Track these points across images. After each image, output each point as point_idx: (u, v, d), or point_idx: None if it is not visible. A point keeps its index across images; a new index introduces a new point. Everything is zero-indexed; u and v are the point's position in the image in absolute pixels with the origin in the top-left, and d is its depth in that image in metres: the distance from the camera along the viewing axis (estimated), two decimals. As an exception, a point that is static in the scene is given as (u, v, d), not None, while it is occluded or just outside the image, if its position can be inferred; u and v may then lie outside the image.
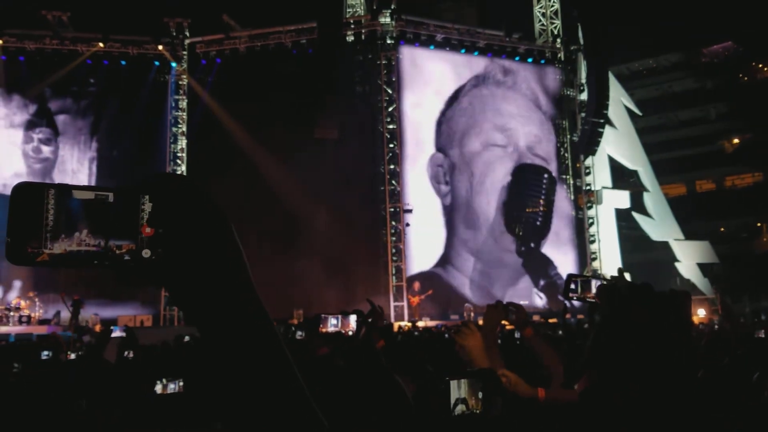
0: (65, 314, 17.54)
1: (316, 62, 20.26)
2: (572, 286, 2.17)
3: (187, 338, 11.13)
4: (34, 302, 17.95)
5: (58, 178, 20.69)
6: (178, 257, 0.74)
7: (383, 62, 21.11)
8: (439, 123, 21.19)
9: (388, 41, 21.15)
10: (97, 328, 16.69)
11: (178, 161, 21.49)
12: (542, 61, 22.91)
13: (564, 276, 17.07)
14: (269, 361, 0.77)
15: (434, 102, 21.37)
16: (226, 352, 0.76)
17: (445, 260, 20.63)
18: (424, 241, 20.43)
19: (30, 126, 20.73)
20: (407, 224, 20.11)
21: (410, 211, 20.11)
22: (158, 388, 3.78)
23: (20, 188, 0.73)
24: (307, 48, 21.17)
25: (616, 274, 2.60)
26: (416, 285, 18.95)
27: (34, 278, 18.95)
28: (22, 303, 17.63)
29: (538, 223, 21.57)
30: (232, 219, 0.79)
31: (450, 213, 20.81)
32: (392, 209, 20.28)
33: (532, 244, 21.35)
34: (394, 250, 20.04)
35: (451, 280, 20.40)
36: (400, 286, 19.82)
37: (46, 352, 9.25)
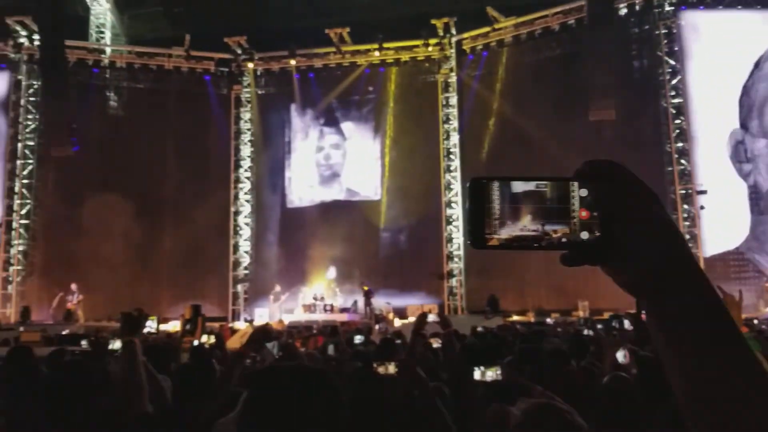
0: (361, 303, 19.18)
1: (587, 41, 19.33)
2: None
3: (480, 328, 11.32)
4: (335, 292, 19.89)
5: (345, 180, 22.72)
6: (621, 237, 0.77)
7: (662, 32, 19.38)
8: (740, 95, 18.63)
9: (667, 8, 19.35)
10: (390, 316, 17.90)
11: (452, 156, 22.12)
12: None
13: None
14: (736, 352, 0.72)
15: (727, 71, 18.90)
16: (690, 338, 0.73)
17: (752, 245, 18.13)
18: (721, 226, 18.21)
19: (321, 135, 23.04)
20: (702, 207, 18.16)
21: (704, 192, 18.13)
22: (476, 375, 3.77)
23: (474, 182, 0.82)
24: (576, 28, 20.33)
25: None
26: None
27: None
28: (325, 293, 19.65)
29: None
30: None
31: (755, 194, 18.18)
32: (683, 191, 18.50)
33: None
34: (688, 236, 18.24)
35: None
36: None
37: (359, 337, 10.00)
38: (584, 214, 0.80)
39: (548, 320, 14.86)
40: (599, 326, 10.09)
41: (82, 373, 2.72)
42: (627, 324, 7.42)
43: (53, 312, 19.78)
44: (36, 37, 21.77)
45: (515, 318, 17.25)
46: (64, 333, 14.93)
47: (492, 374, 3.83)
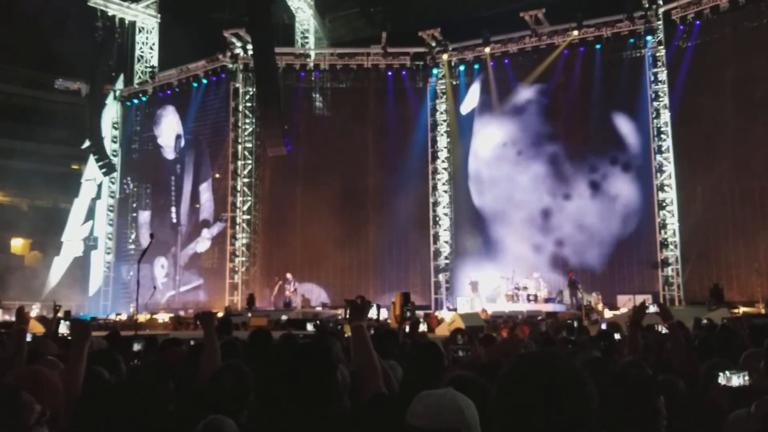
0: (567, 293, 18.52)
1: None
2: None
3: (704, 320, 10.30)
4: (539, 282, 19.31)
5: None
6: None
7: None
8: None
9: None
10: (599, 306, 17.06)
11: (663, 136, 20.43)
12: None
13: None
14: None
15: None
16: None
17: None
18: None
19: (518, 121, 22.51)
20: None
21: None
22: (721, 380, 3.35)
23: None
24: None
25: None
26: None
27: (537, 261, 20.61)
28: (528, 283, 19.15)
29: None
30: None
31: None
32: None
33: None
34: None
35: None
36: None
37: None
38: None
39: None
40: None
41: (324, 356, 2.81)
42: None
43: (274, 299, 21.57)
44: (249, 47, 23.77)
45: (743, 309, 15.55)
46: (284, 318, 16.19)
47: (739, 380, 3.39)
